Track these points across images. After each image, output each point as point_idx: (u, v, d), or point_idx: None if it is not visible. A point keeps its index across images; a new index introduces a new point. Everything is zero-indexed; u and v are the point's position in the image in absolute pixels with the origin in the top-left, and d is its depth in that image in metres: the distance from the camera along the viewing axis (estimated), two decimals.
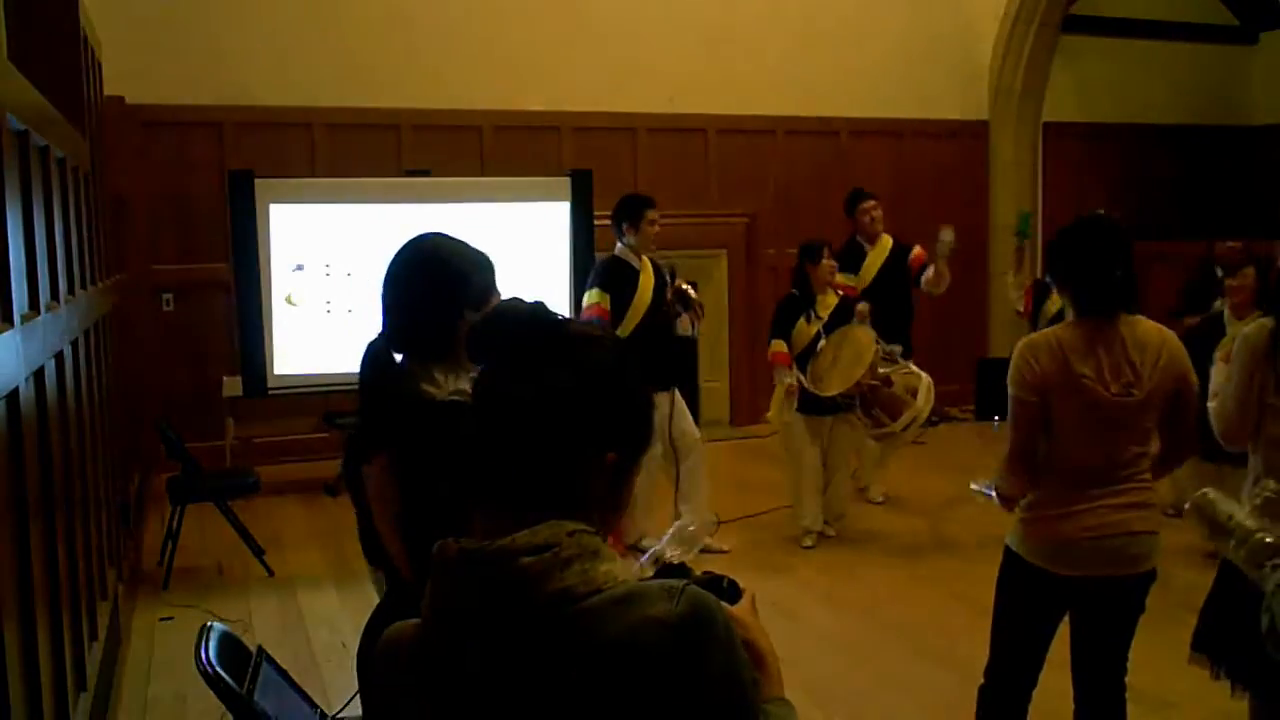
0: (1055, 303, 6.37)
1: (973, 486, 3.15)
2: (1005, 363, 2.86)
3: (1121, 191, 9.55)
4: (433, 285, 2.10)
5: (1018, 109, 9.37)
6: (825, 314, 5.67)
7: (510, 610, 1.10)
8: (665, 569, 1.31)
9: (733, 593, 1.32)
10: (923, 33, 9.08)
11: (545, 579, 1.10)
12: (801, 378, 5.58)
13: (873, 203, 6.56)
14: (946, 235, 6.28)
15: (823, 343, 5.60)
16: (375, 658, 1.26)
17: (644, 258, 5.44)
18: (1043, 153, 9.62)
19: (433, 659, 1.16)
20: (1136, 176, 9.93)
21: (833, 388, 5.46)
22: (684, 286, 5.46)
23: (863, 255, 6.56)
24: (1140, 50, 10.09)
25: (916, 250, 6.59)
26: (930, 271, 6.46)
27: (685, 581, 1.16)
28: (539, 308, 1.20)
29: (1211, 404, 3.07)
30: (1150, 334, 2.73)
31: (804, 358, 5.63)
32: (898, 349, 5.75)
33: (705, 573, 1.32)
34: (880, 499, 6.60)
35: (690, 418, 5.58)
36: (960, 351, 8.83)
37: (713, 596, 1.14)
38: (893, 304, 6.36)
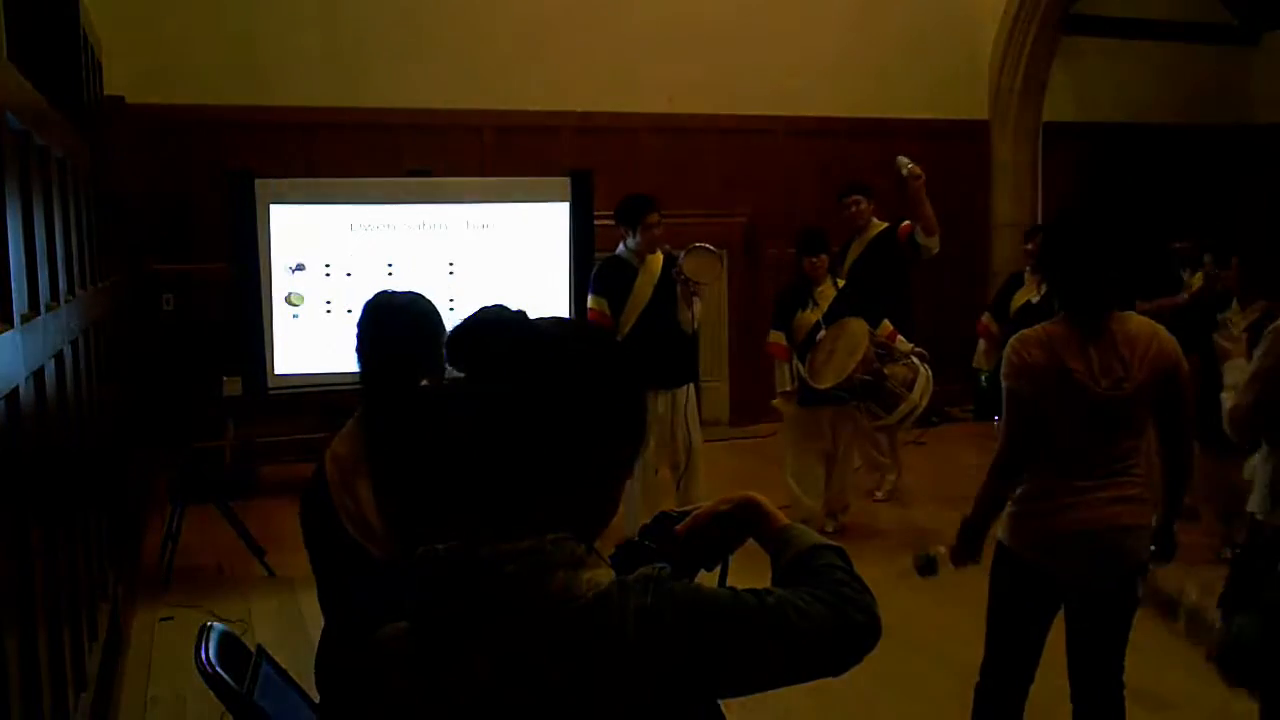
0: (1022, 296, 6.40)
1: (917, 567, 3.05)
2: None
3: (1121, 191, 9.54)
4: (413, 339, 2.23)
5: (1018, 109, 9.37)
6: (824, 303, 5.71)
7: (494, 617, 1.11)
8: (657, 517, 1.38)
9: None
10: (922, 33, 9.07)
11: (528, 586, 1.11)
12: (800, 368, 5.60)
13: (855, 196, 6.57)
14: (903, 159, 6.29)
15: (822, 333, 5.62)
16: (365, 660, 1.26)
17: (649, 256, 5.42)
18: (1042, 153, 9.62)
19: (423, 663, 1.17)
20: (1136, 176, 9.91)
21: (826, 380, 5.48)
22: (679, 269, 5.34)
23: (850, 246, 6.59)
24: (1140, 50, 10.07)
25: (904, 224, 6.48)
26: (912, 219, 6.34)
27: (659, 566, 1.18)
28: (518, 317, 1.20)
29: (1225, 395, 3.08)
30: (1141, 328, 2.76)
31: (804, 347, 5.65)
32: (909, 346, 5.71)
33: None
34: (883, 496, 6.60)
35: (696, 421, 5.57)
36: (960, 351, 8.81)
37: (680, 582, 1.17)
38: (883, 289, 6.16)
